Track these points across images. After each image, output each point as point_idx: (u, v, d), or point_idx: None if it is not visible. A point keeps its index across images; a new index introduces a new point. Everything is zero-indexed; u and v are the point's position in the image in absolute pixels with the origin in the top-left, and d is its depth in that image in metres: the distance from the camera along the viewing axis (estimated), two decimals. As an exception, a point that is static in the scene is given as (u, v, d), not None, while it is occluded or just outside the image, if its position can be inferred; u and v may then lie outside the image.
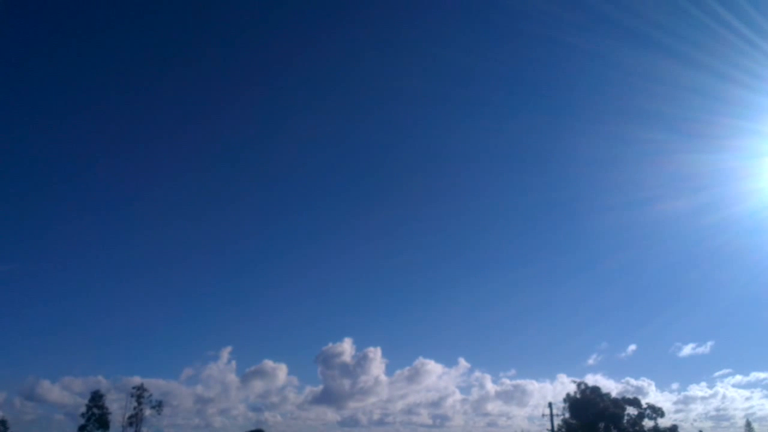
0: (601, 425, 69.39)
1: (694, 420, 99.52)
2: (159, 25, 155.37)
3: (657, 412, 70.75)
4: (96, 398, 68.43)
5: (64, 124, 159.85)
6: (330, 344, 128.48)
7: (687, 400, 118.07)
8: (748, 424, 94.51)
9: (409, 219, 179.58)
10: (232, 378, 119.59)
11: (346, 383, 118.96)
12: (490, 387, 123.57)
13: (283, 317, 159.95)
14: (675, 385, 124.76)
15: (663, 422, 70.64)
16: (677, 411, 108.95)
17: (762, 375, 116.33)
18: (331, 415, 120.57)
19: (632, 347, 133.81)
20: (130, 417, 67.15)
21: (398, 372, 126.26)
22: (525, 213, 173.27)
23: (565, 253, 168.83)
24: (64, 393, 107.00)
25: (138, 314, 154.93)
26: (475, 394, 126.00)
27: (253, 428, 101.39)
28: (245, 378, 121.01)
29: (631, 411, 70.78)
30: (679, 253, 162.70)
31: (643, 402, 72.18)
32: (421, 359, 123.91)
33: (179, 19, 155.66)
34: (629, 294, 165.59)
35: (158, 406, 69.15)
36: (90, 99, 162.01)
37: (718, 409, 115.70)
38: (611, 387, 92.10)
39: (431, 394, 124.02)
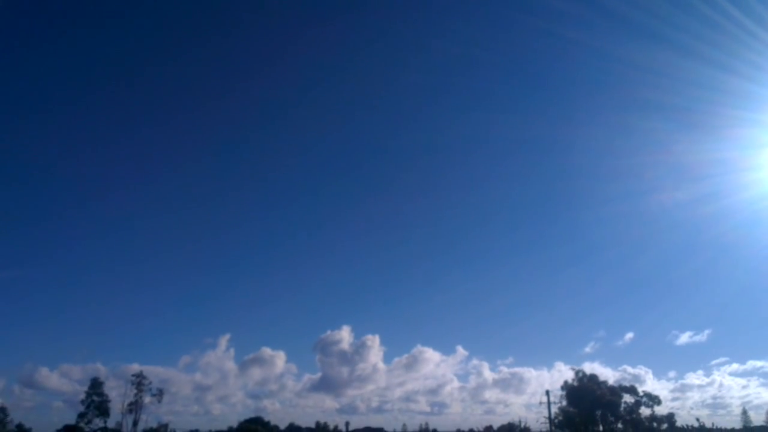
0: (598, 413, 69.72)
1: (691, 408, 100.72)
2: (156, 20, 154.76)
3: (654, 400, 71.11)
4: (95, 385, 68.64)
5: (61, 122, 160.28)
6: (328, 332, 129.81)
7: (684, 388, 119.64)
8: (745, 412, 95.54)
9: (408, 209, 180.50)
10: (231, 365, 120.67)
11: (345, 371, 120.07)
12: (488, 375, 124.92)
13: (282, 305, 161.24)
14: (672, 373, 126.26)
15: (660, 410, 71.12)
16: (674, 399, 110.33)
17: (759, 363, 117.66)
18: (329, 402, 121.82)
19: (629, 335, 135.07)
20: (130, 404, 67.40)
21: (396, 360, 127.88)
22: (524, 203, 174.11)
23: (563, 242, 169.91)
24: (63, 380, 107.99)
25: (136, 302, 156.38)
26: (472, 381, 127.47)
27: (252, 416, 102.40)
28: (244, 365, 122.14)
29: (628, 399, 71.11)
30: (677, 242, 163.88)
31: (640, 390, 72.54)
32: (419, 347, 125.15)
33: (176, 14, 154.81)
34: (627, 283, 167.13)
35: (158, 393, 69.40)
36: (86, 95, 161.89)
37: (714, 398, 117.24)
38: (608, 375, 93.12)
39: (429, 382, 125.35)
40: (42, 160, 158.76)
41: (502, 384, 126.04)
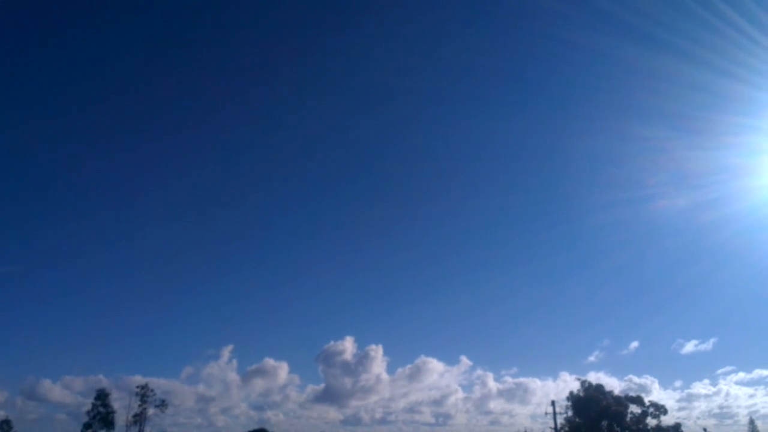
0: (604, 423, 69.42)
1: (698, 418, 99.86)
2: (159, 24, 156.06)
3: (660, 410, 70.71)
4: (102, 396, 68.47)
5: (62, 123, 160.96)
6: (331, 342, 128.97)
7: (690, 398, 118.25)
8: (752, 422, 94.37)
9: (410, 216, 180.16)
10: (234, 377, 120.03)
11: (348, 382, 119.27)
12: (493, 385, 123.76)
13: (284, 315, 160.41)
14: (678, 383, 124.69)
15: (666, 420, 70.61)
16: (680, 409, 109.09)
17: (765, 372, 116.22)
18: (333, 413, 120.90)
19: (634, 344, 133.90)
20: (135, 416, 67.31)
21: (400, 370, 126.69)
22: (526, 210, 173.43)
23: (566, 250, 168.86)
24: (65, 392, 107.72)
25: (138, 313, 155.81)
26: (477, 392, 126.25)
27: (255, 427, 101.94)
28: (246, 377, 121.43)
29: (634, 409, 70.78)
30: (680, 249, 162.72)
31: (646, 400, 72.16)
32: (422, 357, 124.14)
33: (179, 18, 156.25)
34: (631, 291, 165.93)
35: (162, 404, 69.26)
36: (89, 99, 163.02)
37: (721, 407, 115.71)
38: (614, 385, 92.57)
39: (433, 393, 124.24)
40: (43, 168, 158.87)
41: (507, 394, 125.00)
